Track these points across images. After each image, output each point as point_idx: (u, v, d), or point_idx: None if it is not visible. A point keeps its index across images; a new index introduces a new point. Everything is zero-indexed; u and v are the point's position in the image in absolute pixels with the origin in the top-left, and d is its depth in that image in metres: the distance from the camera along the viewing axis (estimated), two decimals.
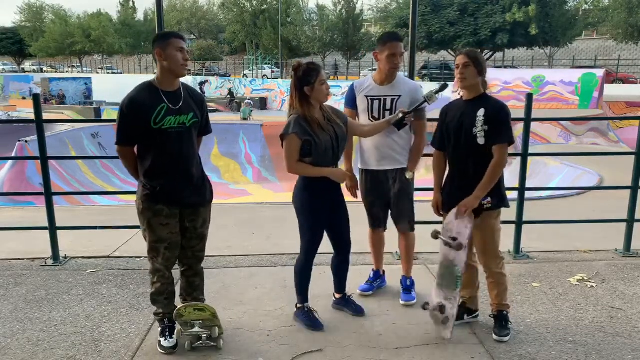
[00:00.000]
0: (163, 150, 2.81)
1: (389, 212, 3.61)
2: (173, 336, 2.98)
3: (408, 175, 3.46)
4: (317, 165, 3.06)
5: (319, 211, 3.17)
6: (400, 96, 3.40)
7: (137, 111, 2.75)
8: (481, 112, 2.95)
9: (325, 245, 3.32)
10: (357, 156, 3.68)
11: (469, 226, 2.99)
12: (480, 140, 2.96)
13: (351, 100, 3.56)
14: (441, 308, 3.07)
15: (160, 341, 2.98)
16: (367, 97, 3.46)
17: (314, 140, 3.00)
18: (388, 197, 3.53)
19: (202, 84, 32.83)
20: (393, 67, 3.35)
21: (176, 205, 2.89)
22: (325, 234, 3.27)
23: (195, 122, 2.89)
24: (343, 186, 3.29)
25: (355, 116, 3.55)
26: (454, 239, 3.03)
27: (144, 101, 2.76)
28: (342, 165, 3.29)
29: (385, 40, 3.38)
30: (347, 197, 3.70)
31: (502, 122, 2.94)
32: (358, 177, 3.64)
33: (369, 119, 3.45)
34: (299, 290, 3.31)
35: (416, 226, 3.62)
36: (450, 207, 3.19)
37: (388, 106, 3.40)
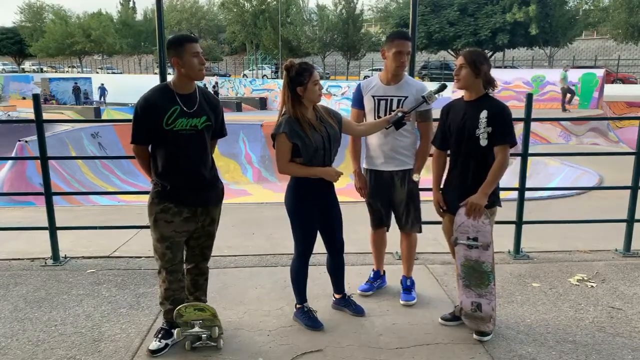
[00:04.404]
0: (174, 151, 2.83)
1: (393, 212, 3.61)
2: (162, 340, 2.98)
3: (415, 177, 3.46)
4: (308, 165, 3.05)
5: (309, 211, 3.15)
6: (406, 97, 3.38)
7: (149, 112, 2.78)
8: (484, 114, 2.96)
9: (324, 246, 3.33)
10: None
11: (486, 222, 2.98)
12: (483, 142, 2.97)
13: (358, 100, 3.54)
14: (478, 307, 3.08)
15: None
16: (373, 97, 3.45)
17: (304, 140, 2.97)
18: (392, 197, 3.52)
19: (215, 86, 32.75)
20: (399, 65, 3.33)
21: (184, 204, 2.90)
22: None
23: (208, 125, 2.90)
24: (347, 186, 3.27)
25: (363, 116, 3.53)
26: (475, 239, 3.02)
27: (156, 102, 2.80)
28: (342, 165, 3.28)
29: (393, 37, 3.38)
30: (347, 196, 3.69)
31: (505, 124, 2.96)
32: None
33: (375, 119, 3.42)
34: (296, 291, 3.31)
35: None
36: (451, 208, 3.19)
37: (394, 107, 3.38)
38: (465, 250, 3.07)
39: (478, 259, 3.04)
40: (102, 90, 32.24)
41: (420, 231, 3.59)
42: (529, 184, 4.76)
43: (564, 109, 19.12)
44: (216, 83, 33.59)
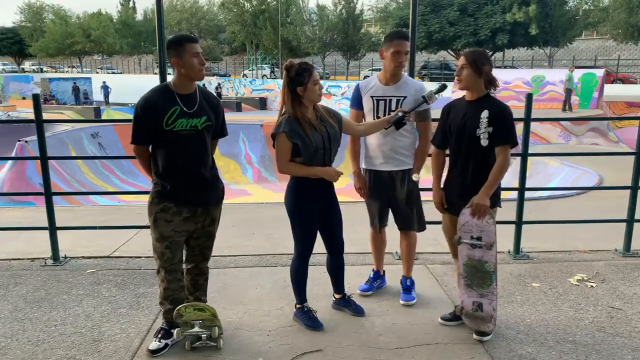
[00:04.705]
0: (175, 151, 2.83)
1: (392, 213, 3.60)
2: (162, 340, 2.98)
3: (415, 177, 3.46)
4: (308, 165, 3.05)
5: (309, 211, 3.15)
6: (405, 97, 3.38)
7: (149, 112, 2.78)
8: (485, 114, 2.96)
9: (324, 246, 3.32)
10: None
11: (490, 221, 2.98)
12: (484, 142, 2.97)
13: (357, 100, 3.54)
14: (479, 306, 3.08)
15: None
16: (372, 97, 3.44)
17: (304, 140, 2.97)
18: (391, 197, 3.52)
19: (217, 87, 32.69)
20: (397, 66, 3.33)
21: (185, 204, 2.90)
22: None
23: (208, 125, 2.90)
24: (347, 186, 3.27)
25: (362, 117, 3.53)
26: (479, 238, 3.02)
27: (156, 102, 2.80)
28: (342, 165, 3.28)
29: (391, 37, 3.37)
30: (347, 196, 3.69)
31: (506, 124, 2.96)
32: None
33: (375, 119, 3.42)
34: (296, 291, 3.31)
35: None
36: (451, 208, 3.19)
37: (393, 107, 3.38)
38: (469, 249, 3.07)
39: (481, 259, 3.04)
40: (106, 89, 32.12)
41: (424, 229, 3.58)
42: (528, 184, 4.76)
43: (564, 109, 19.15)
44: (218, 84, 33.56)
